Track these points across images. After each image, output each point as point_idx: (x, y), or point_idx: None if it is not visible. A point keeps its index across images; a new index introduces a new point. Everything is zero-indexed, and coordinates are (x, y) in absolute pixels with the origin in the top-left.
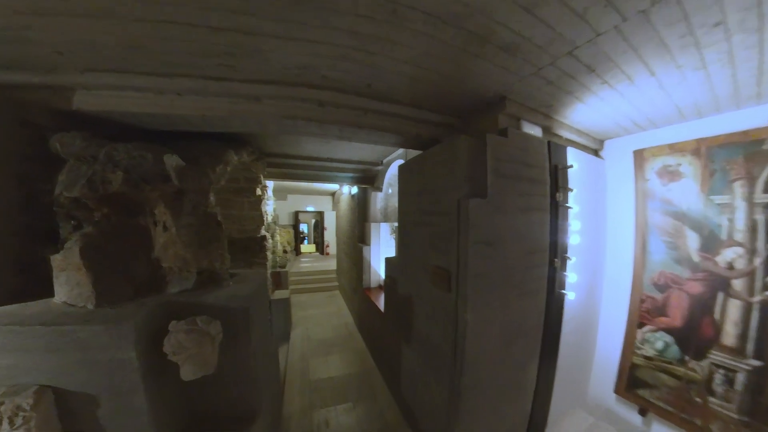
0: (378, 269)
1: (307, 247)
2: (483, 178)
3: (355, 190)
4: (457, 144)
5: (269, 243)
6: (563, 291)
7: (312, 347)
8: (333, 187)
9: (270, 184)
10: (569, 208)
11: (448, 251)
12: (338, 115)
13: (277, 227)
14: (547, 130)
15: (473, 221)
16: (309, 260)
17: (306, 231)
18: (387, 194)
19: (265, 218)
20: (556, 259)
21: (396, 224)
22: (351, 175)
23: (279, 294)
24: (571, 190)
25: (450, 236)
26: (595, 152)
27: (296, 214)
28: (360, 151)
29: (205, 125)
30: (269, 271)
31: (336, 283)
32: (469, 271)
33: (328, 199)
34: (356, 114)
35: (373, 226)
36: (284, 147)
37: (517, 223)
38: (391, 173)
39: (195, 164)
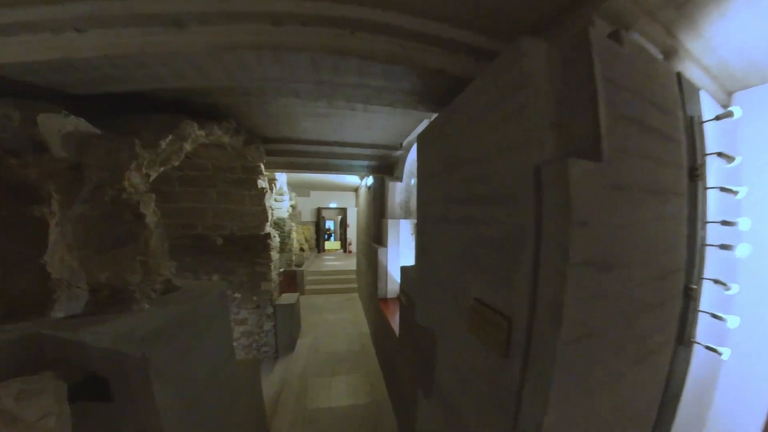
0: (396, 276)
1: (332, 244)
2: (588, 120)
3: (371, 181)
4: (525, 54)
5: (273, 242)
6: (698, 342)
7: (318, 361)
8: (357, 181)
9: (282, 177)
10: (732, 192)
11: (509, 277)
12: (306, 37)
13: (293, 224)
14: (666, 57)
15: (579, 214)
16: (332, 258)
17: (332, 228)
18: (408, 185)
19: (269, 214)
20: (693, 286)
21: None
22: (366, 162)
23: (285, 299)
24: (732, 158)
25: (514, 245)
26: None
27: (319, 210)
28: (372, 131)
29: (124, 76)
30: (276, 271)
31: (356, 285)
32: (563, 327)
33: (352, 195)
34: (336, 34)
35: (391, 223)
36: (279, 127)
37: (648, 218)
38: (413, 159)
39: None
